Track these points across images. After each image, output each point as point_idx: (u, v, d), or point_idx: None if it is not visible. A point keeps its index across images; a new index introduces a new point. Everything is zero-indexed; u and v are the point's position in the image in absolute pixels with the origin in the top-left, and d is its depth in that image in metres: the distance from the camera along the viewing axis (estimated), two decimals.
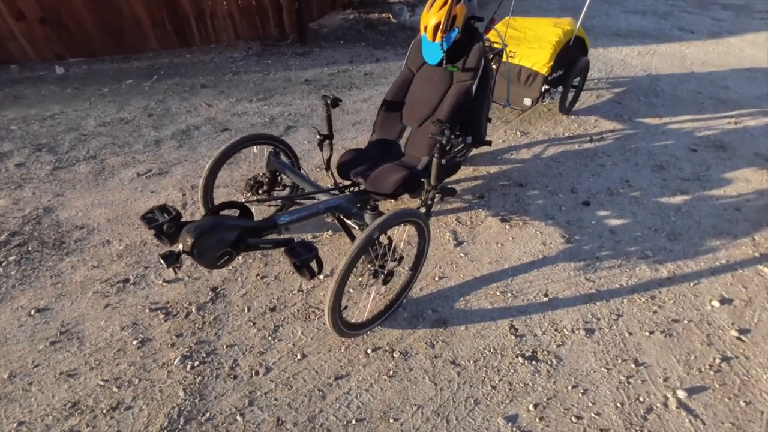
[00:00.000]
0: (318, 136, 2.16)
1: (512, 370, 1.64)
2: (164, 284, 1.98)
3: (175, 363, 1.64)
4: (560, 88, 3.24)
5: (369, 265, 1.62)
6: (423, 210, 1.99)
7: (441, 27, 1.98)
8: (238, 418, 1.47)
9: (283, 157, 2.14)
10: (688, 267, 2.13)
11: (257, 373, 1.62)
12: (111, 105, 3.70)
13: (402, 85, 2.27)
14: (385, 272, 1.64)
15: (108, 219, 2.39)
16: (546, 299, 1.94)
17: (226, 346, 1.71)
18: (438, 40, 2.02)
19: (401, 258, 1.79)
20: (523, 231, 2.33)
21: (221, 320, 1.82)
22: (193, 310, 1.86)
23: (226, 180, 2.70)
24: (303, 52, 5.08)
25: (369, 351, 1.70)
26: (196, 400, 1.52)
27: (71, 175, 2.78)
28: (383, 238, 1.61)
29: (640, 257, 2.18)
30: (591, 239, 2.29)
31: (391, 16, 6.77)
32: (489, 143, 2.33)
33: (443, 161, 1.93)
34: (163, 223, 1.41)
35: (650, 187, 2.72)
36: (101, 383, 1.57)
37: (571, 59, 3.18)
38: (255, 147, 2.11)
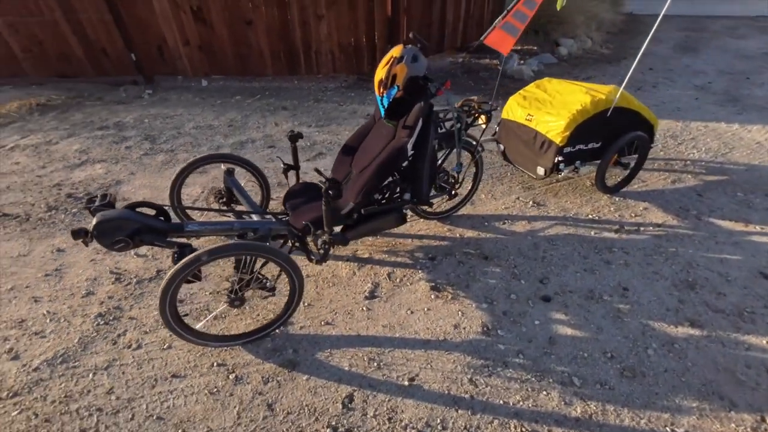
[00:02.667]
0: (283, 165, 2.42)
1: None
2: (135, 256, 2.50)
3: (91, 316, 2.08)
4: (581, 163, 2.79)
5: (226, 282, 1.78)
6: (320, 252, 2.04)
7: (382, 83, 2.03)
8: (90, 375, 1.79)
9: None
10: (617, 418, 1.62)
11: (130, 346, 1.93)
12: (213, 113, 4.70)
13: (362, 132, 2.36)
14: (233, 296, 1.77)
15: (144, 198, 3.11)
16: (407, 384, 1.75)
17: (129, 318, 2.08)
18: (380, 95, 2.07)
19: (272, 289, 1.89)
20: (446, 306, 2.12)
21: (143, 296, 2.21)
22: (134, 282, 2.30)
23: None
24: None
25: (215, 364, 1.84)
26: (79, 349, 1.91)
27: (150, 160, 3.68)
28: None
29: (560, 382, 1.75)
30: (516, 340, 1.93)
31: (498, 62, 6.68)
32: (430, 204, 2.21)
33: (363, 211, 1.98)
34: (92, 205, 1.85)
35: (651, 305, 2.11)
36: (45, 313, 2.10)
37: (611, 132, 2.71)
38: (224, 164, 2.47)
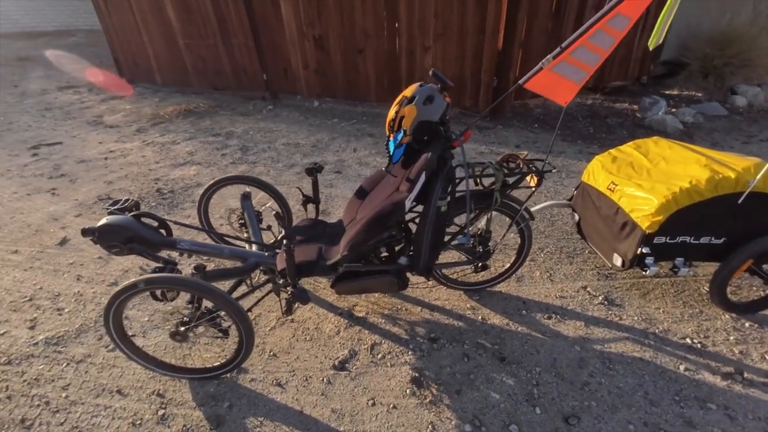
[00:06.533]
0: (302, 197, 2.31)
1: None
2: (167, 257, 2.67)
3: (101, 307, 2.25)
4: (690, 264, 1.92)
5: (174, 316, 1.70)
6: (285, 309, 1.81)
7: (389, 125, 1.73)
8: (63, 365, 1.91)
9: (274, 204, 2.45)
10: None
11: (107, 346, 2.01)
12: (305, 133, 4.97)
13: (377, 177, 2.08)
14: (175, 329, 1.67)
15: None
16: None
17: (125, 317, 2.18)
18: (389, 138, 1.77)
19: (224, 331, 1.75)
20: (417, 410, 1.65)
21: (148, 298, 2.31)
22: None
23: None
24: (485, 126, 5.02)
25: (156, 392, 1.76)
26: (73, 336, 2.07)
27: (233, 169, 4.03)
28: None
29: None
30: None
31: (637, 108, 5.53)
32: (426, 276, 1.78)
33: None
34: (111, 208, 2.00)
35: None
36: (76, 292, 2.38)
37: (744, 227, 1.83)
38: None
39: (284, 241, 1.57)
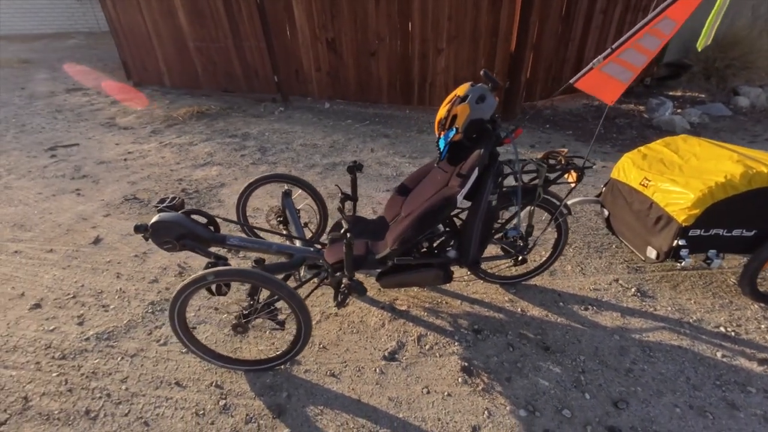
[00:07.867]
0: (341, 195, 2.37)
1: None
2: None
3: (146, 302, 2.30)
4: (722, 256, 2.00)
5: (236, 306, 1.76)
6: (338, 299, 1.87)
7: (440, 123, 1.80)
8: (119, 359, 1.95)
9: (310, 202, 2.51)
10: None
11: (158, 340, 2.05)
12: (321, 134, 5.03)
13: (420, 174, 2.15)
14: (237, 322, 1.72)
15: (233, 204, 3.42)
16: None
17: None
18: (438, 136, 1.84)
19: (281, 323, 1.80)
20: (471, 397, 1.71)
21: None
22: None
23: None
24: None
25: (214, 384, 1.81)
26: (123, 331, 2.11)
27: (254, 169, 4.07)
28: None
29: None
30: None
31: (644, 109, 5.66)
32: (476, 269, 1.85)
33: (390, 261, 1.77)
34: (160, 206, 2.05)
35: None
36: (118, 290, 2.41)
37: None
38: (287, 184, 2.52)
39: (347, 235, 1.63)
